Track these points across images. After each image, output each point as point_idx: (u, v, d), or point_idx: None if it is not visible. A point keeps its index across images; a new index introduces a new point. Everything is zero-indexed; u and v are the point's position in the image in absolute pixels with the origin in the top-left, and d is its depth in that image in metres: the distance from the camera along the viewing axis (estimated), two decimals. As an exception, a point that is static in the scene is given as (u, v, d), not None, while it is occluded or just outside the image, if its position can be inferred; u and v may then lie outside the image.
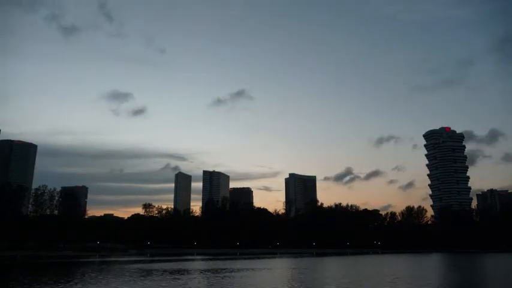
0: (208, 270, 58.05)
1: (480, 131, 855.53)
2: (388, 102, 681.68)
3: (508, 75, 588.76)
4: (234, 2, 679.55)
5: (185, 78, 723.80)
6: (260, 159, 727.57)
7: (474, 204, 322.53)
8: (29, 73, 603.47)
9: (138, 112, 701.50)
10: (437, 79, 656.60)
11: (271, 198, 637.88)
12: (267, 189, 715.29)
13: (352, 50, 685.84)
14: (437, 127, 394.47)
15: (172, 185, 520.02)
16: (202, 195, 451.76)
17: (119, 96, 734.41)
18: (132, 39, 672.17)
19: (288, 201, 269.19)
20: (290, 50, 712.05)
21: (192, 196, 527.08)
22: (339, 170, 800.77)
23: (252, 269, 60.78)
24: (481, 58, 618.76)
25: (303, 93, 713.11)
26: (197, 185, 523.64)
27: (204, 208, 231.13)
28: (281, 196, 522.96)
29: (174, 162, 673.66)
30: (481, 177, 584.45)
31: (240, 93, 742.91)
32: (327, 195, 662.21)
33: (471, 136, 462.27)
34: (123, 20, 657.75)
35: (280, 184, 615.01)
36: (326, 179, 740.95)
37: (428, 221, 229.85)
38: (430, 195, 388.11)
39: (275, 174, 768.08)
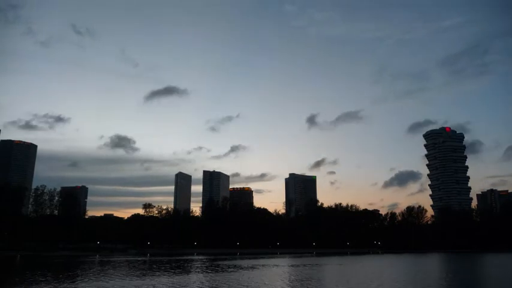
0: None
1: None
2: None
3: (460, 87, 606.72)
4: (206, 17, 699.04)
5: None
6: (259, 160, 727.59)
7: (474, 204, 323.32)
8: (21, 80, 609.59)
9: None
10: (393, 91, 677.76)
11: (270, 199, 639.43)
12: (266, 190, 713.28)
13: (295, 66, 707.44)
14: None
15: (172, 187, 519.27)
16: (202, 196, 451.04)
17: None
18: (106, 52, 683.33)
19: (288, 201, 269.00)
20: (258, 60, 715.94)
21: (192, 196, 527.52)
22: (337, 171, 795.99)
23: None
24: (433, 72, 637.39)
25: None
26: (197, 185, 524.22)
27: (204, 208, 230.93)
28: (281, 197, 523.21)
29: (174, 164, 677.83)
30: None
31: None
32: (327, 195, 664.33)
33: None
34: (97, 34, 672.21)
35: (279, 185, 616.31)
36: (324, 179, 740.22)
37: (428, 221, 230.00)
38: (430, 195, 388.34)
39: (275, 176, 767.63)
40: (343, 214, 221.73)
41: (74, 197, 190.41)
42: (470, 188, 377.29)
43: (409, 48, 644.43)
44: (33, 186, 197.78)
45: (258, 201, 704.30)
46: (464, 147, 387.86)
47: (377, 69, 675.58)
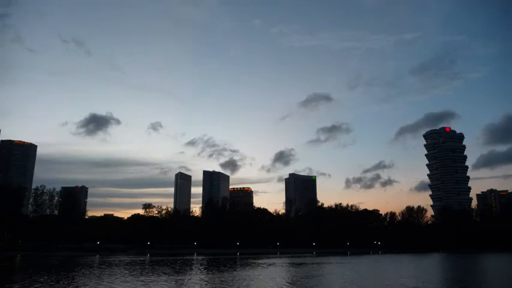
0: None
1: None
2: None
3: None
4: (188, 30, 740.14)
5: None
6: (259, 160, 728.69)
7: (474, 204, 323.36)
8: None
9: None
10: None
11: (270, 199, 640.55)
12: (266, 190, 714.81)
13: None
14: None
15: (172, 189, 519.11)
16: (202, 196, 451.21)
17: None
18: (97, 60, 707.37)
19: (288, 201, 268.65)
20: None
21: (192, 196, 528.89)
22: (338, 172, 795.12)
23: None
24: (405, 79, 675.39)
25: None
26: (197, 185, 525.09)
27: (204, 208, 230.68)
28: (281, 197, 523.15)
29: (173, 166, 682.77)
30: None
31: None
32: (327, 195, 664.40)
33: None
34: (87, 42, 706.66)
35: (279, 185, 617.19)
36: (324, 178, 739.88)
37: (428, 221, 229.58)
38: (430, 195, 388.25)
39: (275, 176, 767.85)
40: (343, 214, 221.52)
41: (73, 197, 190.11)
42: (470, 188, 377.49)
43: (380, 58, 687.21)
44: (33, 186, 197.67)
45: (262, 201, 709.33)
46: (464, 147, 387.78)
47: (352, 77, 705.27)
